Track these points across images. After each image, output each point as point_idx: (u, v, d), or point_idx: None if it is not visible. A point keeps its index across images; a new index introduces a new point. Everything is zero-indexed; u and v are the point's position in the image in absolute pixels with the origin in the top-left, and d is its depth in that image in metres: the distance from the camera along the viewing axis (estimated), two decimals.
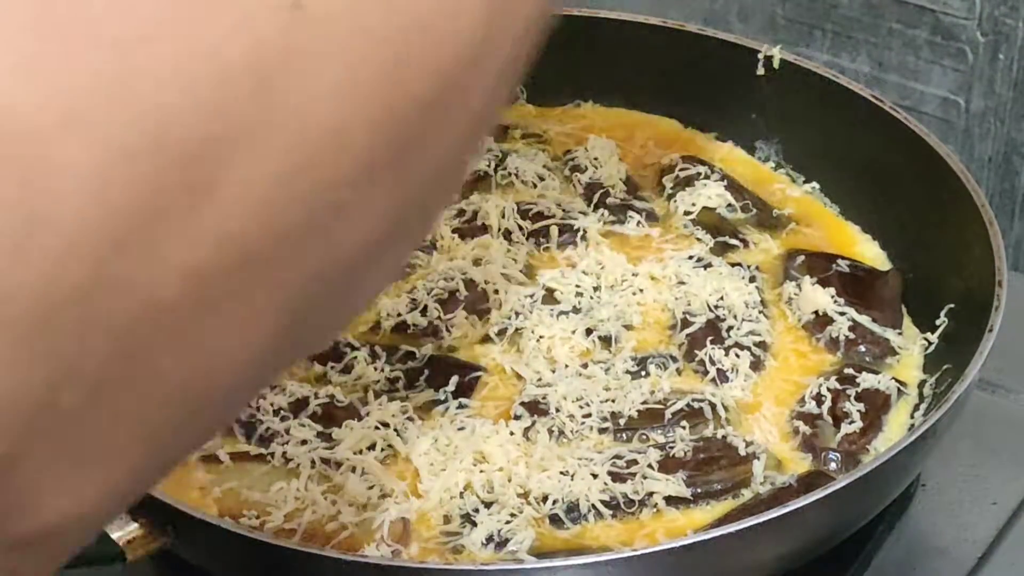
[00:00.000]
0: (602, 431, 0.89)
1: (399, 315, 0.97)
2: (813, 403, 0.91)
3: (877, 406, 0.91)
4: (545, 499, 0.84)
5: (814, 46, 1.26)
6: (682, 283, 1.00)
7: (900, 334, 0.98)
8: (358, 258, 0.36)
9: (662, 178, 1.11)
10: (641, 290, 1.00)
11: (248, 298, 0.33)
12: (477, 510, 0.84)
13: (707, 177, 1.10)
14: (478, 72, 0.36)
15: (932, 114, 1.22)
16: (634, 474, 0.86)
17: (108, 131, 0.29)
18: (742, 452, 0.87)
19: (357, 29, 0.33)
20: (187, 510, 0.77)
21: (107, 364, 0.30)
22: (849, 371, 0.93)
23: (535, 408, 0.90)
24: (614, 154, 1.13)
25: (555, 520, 0.84)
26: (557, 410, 0.90)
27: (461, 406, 0.91)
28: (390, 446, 0.88)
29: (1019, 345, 0.99)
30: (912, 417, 0.92)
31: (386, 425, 0.88)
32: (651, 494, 0.85)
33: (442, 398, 0.91)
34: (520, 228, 1.05)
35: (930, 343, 0.96)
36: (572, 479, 0.85)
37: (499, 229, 1.04)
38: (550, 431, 0.89)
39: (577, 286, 0.99)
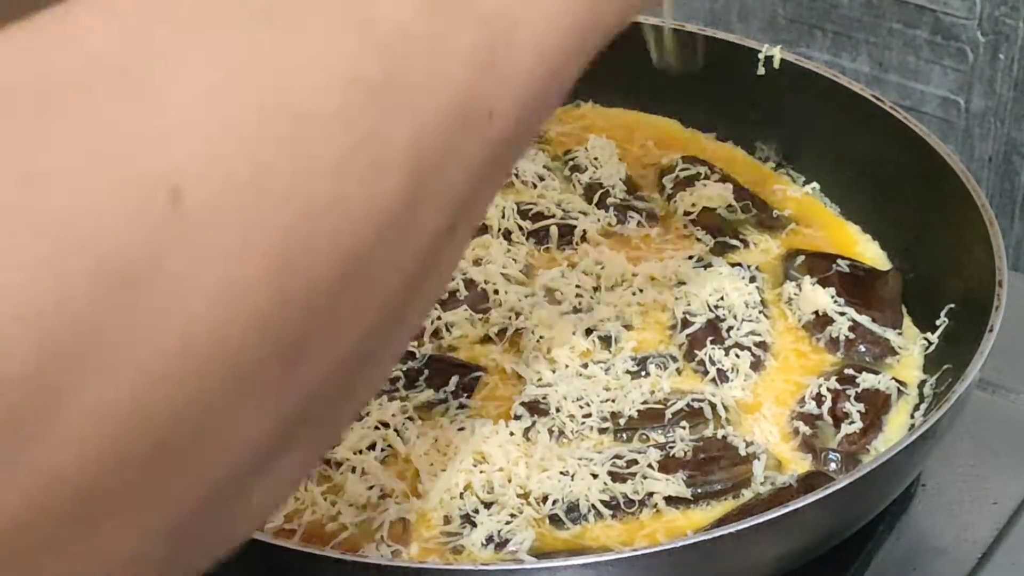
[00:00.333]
0: (602, 431, 0.89)
1: None
2: (813, 403, 0.91)
3: (877, 406, 0.91)
4: (545, 499, 0.84)
5: (814, 46, 1.26)
6: (682, 283, 1.00)
7: (900, 334, 0.98)
8: (231, 479, 0.30)
9: (662, 178, 1.11)
10: (641, 290, 1.00)
11: (91, 536, 0.28)
12: (477, 510, 0.84)
13: (707, 177, 1.10)
14: (406, 238, 0.31)
15: (932, 114, 1.22)
16: (634, 474, 0.86)
17: None
18: (742, 452, 0.87)
19: (247, 219, 0.28)
20: None
21: None
22: (849, 371, 0.93)
23: (535, 408, 0.90)
24: (614, 154, 1.13)
25: (555, 520, 0.84)
26: (557, 410, 0.90)
27: (461, 406, 0.91)
28: (390, 446, 0.88)
29: (1019, 345, 0.99)
30: (912, 417, 0.92)
31: (386, 425, 0.88)
32: (651, 494, 0.85)
33: (442, 398, 0.91)
34: (520, 228, 1.05)
35: (930, 343, 0.96)
36: (572, 479, 0.85)
37: (499, 229, 1.04)
38: (550, 431, 0.89)
39: (577, 286, 0.99)
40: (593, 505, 0.84)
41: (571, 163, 1.12)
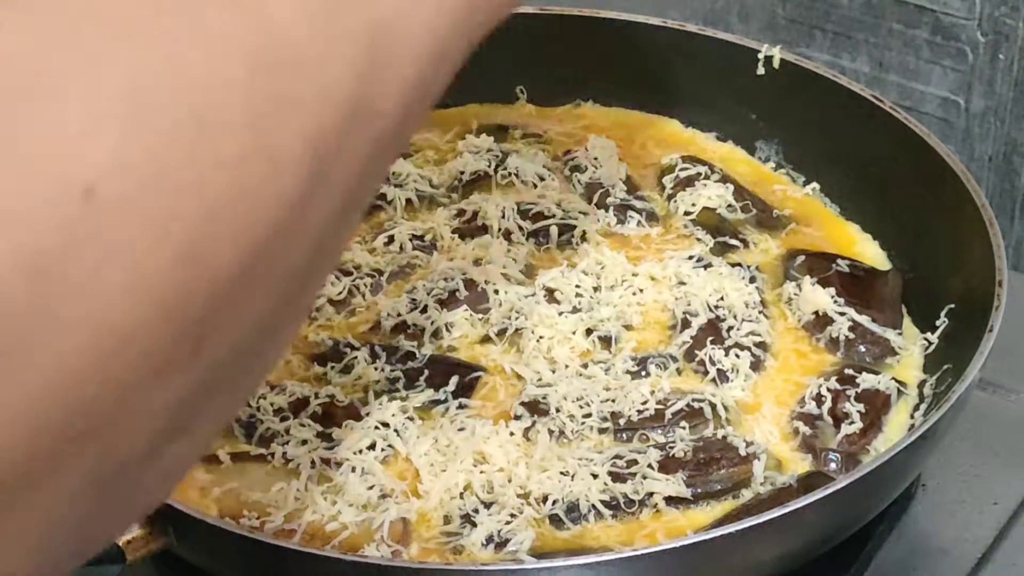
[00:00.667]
0: (602, 431, 0.89)
1: (399, 315, 0.97)
2: (813, 403, 0.91)
3: (877, 406, 0.91)
4: (545, 499, 0.84)
5: (814, 46, 1.26)
6: (682, 283, 1.00)
7: (900, 334, 0.98)
8: (137, 458, 0.33)
9: (662, 178, 1.11)
10: (641, 290, 1.00)
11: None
12: (477, 510, 0.84)
13: (707, 177, 1.10)
14: (302, 227, 0.34)
15: (932, 114, 1.22)
16: (634, 474, 0.86)
17: None
18: (742, 452, 0.87)
19: (155, 213, 0.30)
20: (187, 510, 0.77)
21: None
22: (849, 371, 0.93)
23: (535, 408, 0.90)
24: (614, 154, 1.13)
25: (555, 520, 0.84)
26: (557, 410, 0.90)
27: (461, 406, 0.91)
28: (390, 446, 0.88)
29: (1019, 345, 0.99)
30: (912, 417, 0.92)
31: (386, 425, 0.88)
32: (651, 494, 0.85)
33: (442, 398, 0.91)
34: (520, 228, 1.05)
35: (930, 343, 0.96)
36: (572, 479, 0.85)
37: (499, 229, 1.04)
38: (550, 431, 0.89)
39: (577, 286, 0.99)
40: (593, 505, 0.84)
41: (571, 163, 1.12)
